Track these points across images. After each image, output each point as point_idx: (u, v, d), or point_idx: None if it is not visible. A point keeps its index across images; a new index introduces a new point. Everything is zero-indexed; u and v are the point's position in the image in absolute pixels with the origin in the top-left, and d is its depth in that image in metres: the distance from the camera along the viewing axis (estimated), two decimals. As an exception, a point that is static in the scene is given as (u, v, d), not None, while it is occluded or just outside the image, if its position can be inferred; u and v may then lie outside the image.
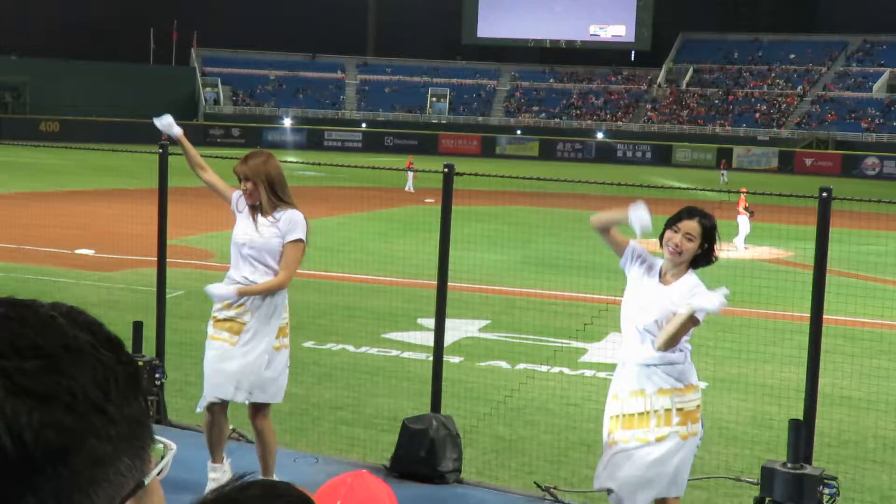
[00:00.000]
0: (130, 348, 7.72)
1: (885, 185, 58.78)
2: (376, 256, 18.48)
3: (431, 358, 8.13)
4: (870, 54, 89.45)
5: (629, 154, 76.52)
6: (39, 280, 16.46)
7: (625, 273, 6.00)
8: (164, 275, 8.88)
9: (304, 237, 6.55)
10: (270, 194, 6.52)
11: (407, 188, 38.34)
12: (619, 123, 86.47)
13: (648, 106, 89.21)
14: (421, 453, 7.51)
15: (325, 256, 15.87)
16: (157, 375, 8.26)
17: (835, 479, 6.43)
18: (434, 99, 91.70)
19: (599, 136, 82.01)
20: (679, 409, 5.74)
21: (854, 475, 8.37)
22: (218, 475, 6.80)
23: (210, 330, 6.65)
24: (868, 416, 10.03)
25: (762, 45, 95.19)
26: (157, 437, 1.06)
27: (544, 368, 11.70)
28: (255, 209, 6.58)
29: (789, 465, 6.41)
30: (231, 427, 7.34)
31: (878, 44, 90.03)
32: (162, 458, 1.07)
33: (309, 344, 12.43)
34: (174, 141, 7.37)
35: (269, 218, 6.54)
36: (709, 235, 5.79)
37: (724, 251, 6.42)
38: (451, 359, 11.34)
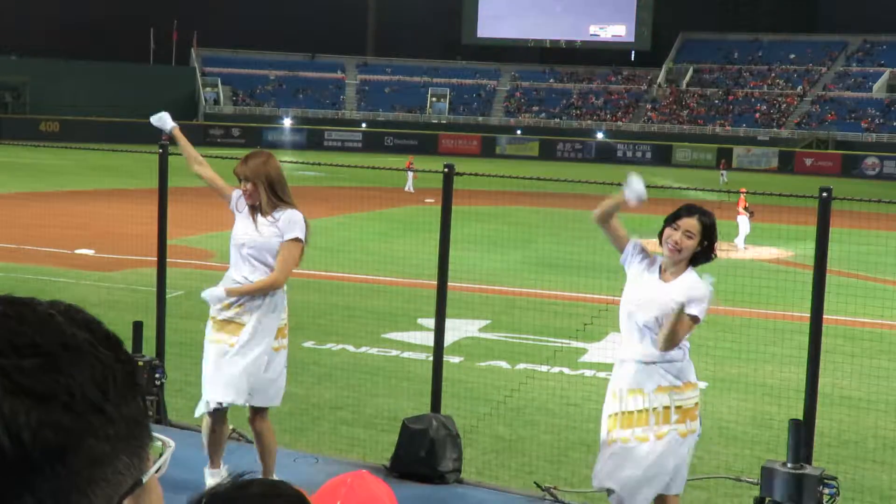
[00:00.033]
0: (130, 348, 7.72)
1: (885, 185, 58.74)
2: (376, 256, 18.47)
3: (431, 358, 8.13)
4: (870, 54, 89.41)
5: (629, 154, 76.48)
6: (39, 280, 16.46)
7: (625, 269, 6.00)
8: (164, 275, 8.88)
9: (302, 237, 6.52)
10: (270, 195, 6.50)
11: (407, 188, 38.33)
12: (619, 123, 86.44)
13: (648, 106, 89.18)
14: (421, 453, 7.50)
15: (325, 256, 15.85)
16: (157, 375, 8.25)
17: (835, 479, 6.43)
18: (434, 99, 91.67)
19: (599, 136, 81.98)
20: (678, 407, 5.74)
21: (854, 475, 8.37)
22: (216, 480, 6.78)
23: (209, 331, 6.64)
24: (868, 416, 10.04)
25: (762, 45, 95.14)
26: (156, 435, 1.05)
27: (544, 368, 11.70)
28: (255, 209, 6.56)
29: (789, 465, 6.41)
30: (231, 427, 7.33)
31: (878, 44, 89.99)
32: (160, 455, 1.07)
33: (309, 344, 12.43)
34: (174, 141, 7.37)
35: (269, 218, 6.52)
36: (708, 233, 5.80)
37: (724, 251, 6.42)
38: (451, 359, 11.34)
